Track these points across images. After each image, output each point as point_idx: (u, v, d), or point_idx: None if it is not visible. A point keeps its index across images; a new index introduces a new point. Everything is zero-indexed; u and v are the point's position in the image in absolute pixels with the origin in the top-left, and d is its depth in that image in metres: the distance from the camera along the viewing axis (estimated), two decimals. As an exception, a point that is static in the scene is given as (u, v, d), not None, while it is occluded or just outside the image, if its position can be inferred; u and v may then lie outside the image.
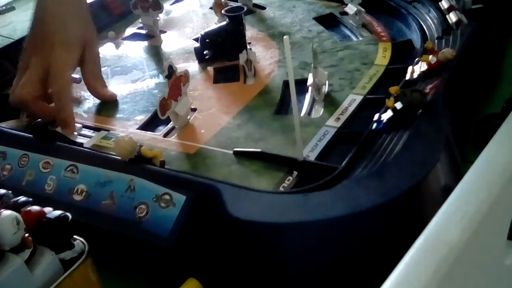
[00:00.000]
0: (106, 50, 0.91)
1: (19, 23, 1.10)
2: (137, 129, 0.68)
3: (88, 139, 0.67)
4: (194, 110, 0.69)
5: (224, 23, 0.81)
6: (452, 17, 0.72)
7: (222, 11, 0.80)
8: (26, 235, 0.35)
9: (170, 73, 0.63)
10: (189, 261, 0.46)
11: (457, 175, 0.44)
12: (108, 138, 0.66)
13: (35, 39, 0.68)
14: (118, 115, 0.71)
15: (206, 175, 0.53)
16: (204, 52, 0.81)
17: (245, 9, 0.77)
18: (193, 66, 0.80)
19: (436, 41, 0.70)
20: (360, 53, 0.76)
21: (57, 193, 0.52)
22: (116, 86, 0.79)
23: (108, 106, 0.74)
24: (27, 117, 0.70)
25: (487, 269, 0.38)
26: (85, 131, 0.69)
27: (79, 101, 0.74)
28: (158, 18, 0.94)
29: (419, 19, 0.79)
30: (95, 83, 0.73)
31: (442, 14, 0.76)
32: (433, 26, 0.75)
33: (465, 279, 0.33)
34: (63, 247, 0.37)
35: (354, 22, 0.85)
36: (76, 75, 0.80)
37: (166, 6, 1.04)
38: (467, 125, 0.60)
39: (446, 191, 0.37)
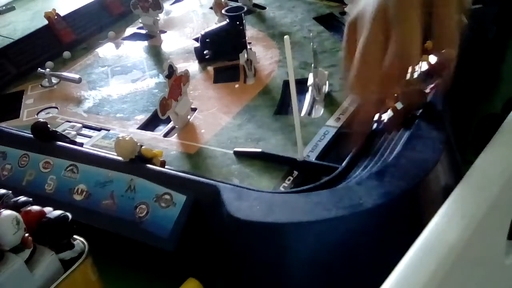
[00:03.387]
0: (106, 50, 0.91)
1: (19, 23, 1.10)
2: (137, 128, 0.68)
3: (88, 139, 0.67)
4: (194, 110, 0.69)
5: (224, 23, 0.81)
6: (452, 17, 0.72)
7: (222, 11, 0.80)
8: (26, 235, 0.35)
9: (170, 72, 0.63)
10: (189, 261, 0.46)
11: (457, 175, 0.44)
12: (108, 138, 0.66)
13: None
14: (118, 115, 0.71)
15: (206, 175, 0.53)
16: (204, 52, 0.81)
17: (245, 9, 0.77)
18: (193, 66, 0.80)
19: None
20: (360, 53, 0.76)
21: (57, 193, 0.52)
22: (116, 86, 0.79)
23: (108, 106, 0.74)
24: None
25: (487, 269, 0.38)
26: (85, 131, 0.69)
27: None
28: (158, 18, 0.94)
29: (419, 19, 0.79)
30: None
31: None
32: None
33: (465, 279, 0.33)
34: (63, 247, 0.37)
35: (354, 22, 0.85)
36: (76, 75, 0.81)
37: (166, 6, 1.04)
38: (467, 125, 0.60)
39: (446, 191, 0.37)
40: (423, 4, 0.41)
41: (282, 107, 0.67)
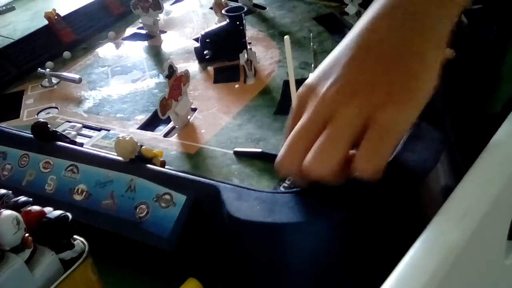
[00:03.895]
0: (106, 50, 0.91)
1: (19, 23, 1.10)
2: (137, 128, 0.68)
3: (88, 139, 0.67)
4: (194, 110, 0.69)
5: (224, 23, 0.81)
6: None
7: (222, 11, 0.80)
8: (26, 235, 0.35)
9: (171, 73, 0.63)
10: (189, 261, 0.46)
11: (457, 175, 0.44)
12: (109, 138, 0.66)
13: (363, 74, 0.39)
14: (118, 115, 0.71)
15: (207, 175, 0.53)
16: (204, 52, 0.81)
17: (245, 9, 0.77)
18: (193, 66, 0.80)
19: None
20: (360, 53, 0.76)
21: (58, 193, 0.52)
22: (116, 86, 0.79)
23: (108, 106, 0.74)
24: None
25: (487, 269, 0.38)
26: (85, 131, 0.69)
27: None
28: (158, 18, 0.94)
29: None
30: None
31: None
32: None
33: (465, 279, 0.34)
34: (63, 247, 0.37)
35: (354, 22, 0.85)
36: (76, 75, 0.81)
37: (166, 6, 1.04)
38: (467, 125, 0.60)
39: (446, 191, 0.37)
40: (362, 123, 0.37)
41: (282, 107, 0.67)
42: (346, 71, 0.40)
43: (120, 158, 0.51)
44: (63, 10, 0.97)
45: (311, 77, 0.43)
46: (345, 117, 0.38)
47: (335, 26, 0.87)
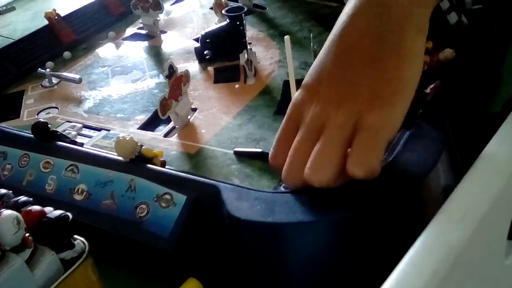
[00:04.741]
0: (107, 50, 0.91)
1: (19, 23, 1.10)
2: (138, 128, 0.68)
3: (89, 139, 0.67)
4: (194, 110, 0.69)
5: (224, 23, 0.81)
6: (452, 17, 0.72)
7: (222, 11, 0.80)
8: (27, 235, 0.35)
9: (171, 73, 0.63)
10: (190, 261, 0.46)
11: (457, 175, 0.44)
12: (109, 138, 0.66)
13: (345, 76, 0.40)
14: (118, 115, 0.71)
15: (207, 175, 0.53)
16: (205, 52, 0.81)
17: (246, 9, 0.77)
18: (193, 66, 0.80)
19: (436, 41, 0.70)
20: (360, 53, 0.76)
21: (58, 193, 0.52)
22: (117, 86, 0.79)
23: (108, 106, 0.74)
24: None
25: (487, 269, 0.38)
26: (86, 131, 0.69)
27: None
28: (158, 18, 0.94)
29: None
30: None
31: (442, 14, 0.75)
32: (433, 26, 0.75)
33: (465, 279, 0.34)
34: (63, 246, 0.37)
35: (354, 22, 0.85)
36: (76, 76, 0.81)
37: (167, 6, 1.04)
38: (467, 125, 0.60)
39: (446, 191, 0.37)
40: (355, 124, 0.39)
41: (282, 107, 0.67)
42: (330, 81, 0.41)
43: (120, 158, 0.51)
44: (63, 10, 0.97)
45: (302, 89, 0.44)
46: (335, 125, 0.40)
47: (335, 26, 0.87)
